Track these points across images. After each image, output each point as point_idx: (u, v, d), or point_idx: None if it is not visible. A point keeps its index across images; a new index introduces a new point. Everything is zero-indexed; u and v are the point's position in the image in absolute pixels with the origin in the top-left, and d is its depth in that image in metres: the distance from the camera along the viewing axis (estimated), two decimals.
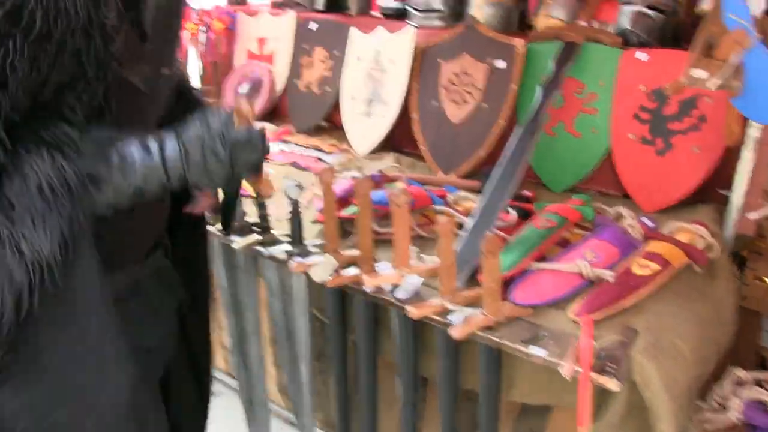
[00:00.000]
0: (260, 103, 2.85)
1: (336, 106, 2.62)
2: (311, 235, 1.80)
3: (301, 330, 1.98)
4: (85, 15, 0.97)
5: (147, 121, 1.22)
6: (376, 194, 1.69)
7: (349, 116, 2.53)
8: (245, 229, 1.85)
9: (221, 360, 2.72)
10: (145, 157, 1.07)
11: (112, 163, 1.04)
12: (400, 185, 1.94)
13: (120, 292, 1.17)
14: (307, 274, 1.66)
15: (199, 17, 3.06)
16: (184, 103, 1.37)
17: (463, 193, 1.98)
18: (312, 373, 2.06)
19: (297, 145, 2.54)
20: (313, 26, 2.76)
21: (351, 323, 1.88)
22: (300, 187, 1.67)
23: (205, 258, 1.57)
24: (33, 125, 0.99)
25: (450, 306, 1.46)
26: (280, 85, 2.87)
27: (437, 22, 2.45)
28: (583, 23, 2.18)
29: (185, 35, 3.09)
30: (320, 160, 2.40)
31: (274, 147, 2.52)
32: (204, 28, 3.05)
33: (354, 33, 2.57)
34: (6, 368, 0.98)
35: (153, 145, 1.08)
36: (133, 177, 1.06)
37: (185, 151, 1.09)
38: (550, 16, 2.23)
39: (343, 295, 1.82)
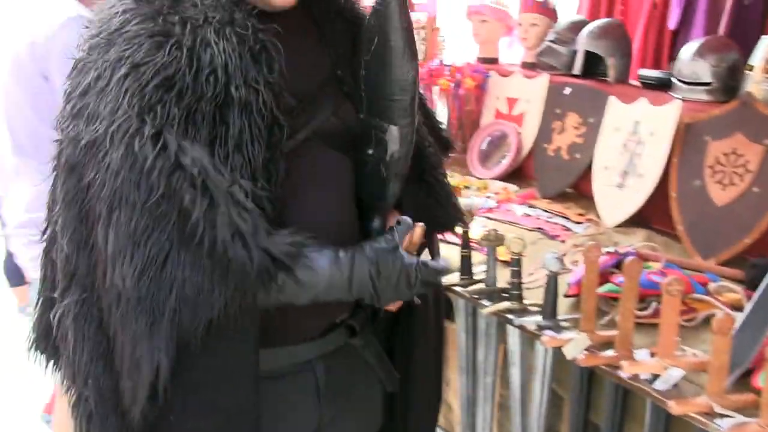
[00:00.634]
0: (505, 163, 2.88)
1: (585, 174, 2.57)
2: (560, 307, 1.77)
3: (536, 402, 1.94)
4: (240, 75, 1.05)
5: (331, 190, 1.25)
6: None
7: (600, 186, 2.48)
8: (494, 294, 1.86)
9: (441, 417, 2.73)
10: (334, 272, 1.11)
11: (298, 273, 1.08)
12: (657, 266, 1.87)
13: (280, 370, 1.21)
14: (555, 349, 1.63)
15: (450, 73, 3.15)
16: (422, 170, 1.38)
17: (725, 283, 1.86)
18: None
19: (543, 210, 2.52)
20: (568, 90, 2.75)
21: (593, 404, 1.82)
22: (561, 260, 1.66)
23: (423, 339, 1.46)
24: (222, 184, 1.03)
25: (717, 408, 1.37)
26: (526, 147, 2.88)
27: (704, 96, 2.34)
28: None
29: (435, 90, 3.21)
30: (567, 229, 2.36)
31: (519, 209, 2.53)
32: (454, 84, 3.14)
33: (613, 102, 2.52)
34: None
35: (344, 262, 1.12)
36: (314, 289, 1.11)
37: (376, 276, 1.13)
38: None
39: (591, 375, 1.77)
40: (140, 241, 1.00)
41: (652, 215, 2.33)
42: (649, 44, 3.48)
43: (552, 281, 1.69)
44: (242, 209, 1.02)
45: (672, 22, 3.31)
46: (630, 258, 1.52)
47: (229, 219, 1.00)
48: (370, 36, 1.21)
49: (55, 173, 1.18)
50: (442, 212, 1.43)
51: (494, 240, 1.84)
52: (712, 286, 1.84)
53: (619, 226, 2.35)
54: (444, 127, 1.59)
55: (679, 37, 3.33)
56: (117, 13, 1.09)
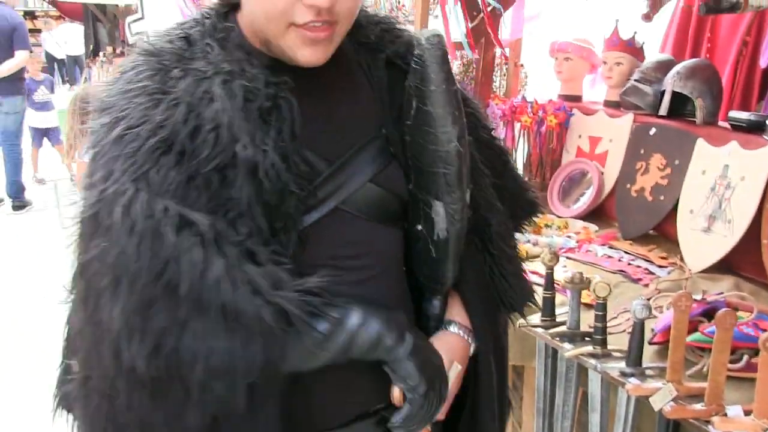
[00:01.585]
0: (586, 202, 2.84)
1: (669, 217, 2.51)
2: (645, 354, 1.73)
3: None
4: (246, 135, 0.96)
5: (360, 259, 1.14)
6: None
7: (685, 230, 2.41)
8: (577, 337, 1.83)
9: None
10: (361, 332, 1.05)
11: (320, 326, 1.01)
12: (748, 317, 1.80)
13: None
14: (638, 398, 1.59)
15: (533, 110, 3.13)
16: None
17: None
18: None
19: (625, 252, 2.47)
20: (653, 131, 2.70)
21: None
22: (648, 307, 1.62)
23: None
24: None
25: None
26: (608, 187, 2.84)
27: None
28: None
29: (517, 127, 3.19)
30: (650, 272, 2.31)
31: (600, 250, 2.48)
32: (537, 122, 3.12)
33: (701, 144, 2.45)
34: None
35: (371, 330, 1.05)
36: (335, 348, 1.03)
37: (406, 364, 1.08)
38: None
39: (676, 427, 1.71)
40: (149, 316, 0.92)
41: (740, 262, 2.25)
42: (738, 83, 3.40)
43: (638, 327, 1.65)
44: (258, 265, 0.95)
45: (764, 61, 3.22)
46: (723, 309, 1.46)
47: (246, 276, 0.94)
48: (409, 98, 1.10)
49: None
50: (508, 290, 1.30)
51: (579, 283, 1.81)
52: None
53: (705, 271, 2.27)
54: (530, 189, 1.48)
55: None
56: (128, 69, 1.05)
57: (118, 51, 11.17)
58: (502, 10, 3.08)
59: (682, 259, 2.38)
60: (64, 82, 16.52)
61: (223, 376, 0.94)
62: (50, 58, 16.82)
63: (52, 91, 7.10)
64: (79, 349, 1.05)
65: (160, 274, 0.92)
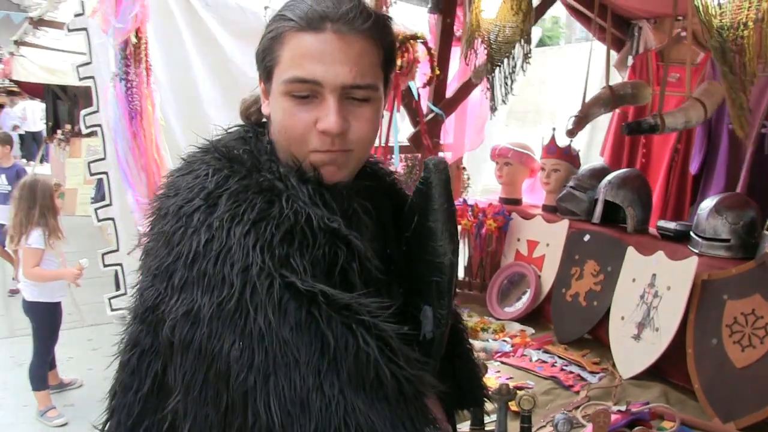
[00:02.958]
0: (523, 305, 2.89)
1: (602, 322, 2.57)
2: None
3: None
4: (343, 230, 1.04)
5: None
6: None
7: (616, 336, 2.47)
8: None
9: None
10: None
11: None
12: (669, 427, 1.84)
13: None
14: None
15: (473, 213, 3.22)
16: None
17: None
18: None
19: (559, 357, 2.50)
20: (587, 237, 2.79)
21: None
22: (570, 422, 1.64)
23: None
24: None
25: None
26: (545, 290, 2.90)
27: (723, 253, 2.35)
28: None
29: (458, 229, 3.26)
30: (582, 378, 2.34)
31: (535, 355, 2.51)
32: (477, 225, 3.20)
33: (632, 252, 2.54)
34: None
35: None
36: None
37: None
38: None
39: None
40: (310, 400, 0.93)
41: (669, 369, 2.30)
42: (672, 187, 3.54)
43: None
44: (400, 345, 1.00)
45: (693, 167, 3.36)
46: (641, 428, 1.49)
47: (400, 355, 0.99)
48: (411, 214, 1.23)
49: (153, 351, 1.08)
50: (469, 390, 1.41)
51: (506, 395, 1.83)
52: None
53: (635, 377, 2.32)
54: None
55: (701, 180, 3.38)
56: (205, 173, 1.08)
57: (76, 129, 11.17)
58: (444, 117, 3.19)
59: (614, 365, 2.42)
60: (22, 157, 16.45)
61: None
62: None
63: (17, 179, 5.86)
64: None
65: (318, 358, 0.94)
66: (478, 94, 3.58)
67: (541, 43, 4.88)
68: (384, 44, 1.14)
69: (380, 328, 0.99)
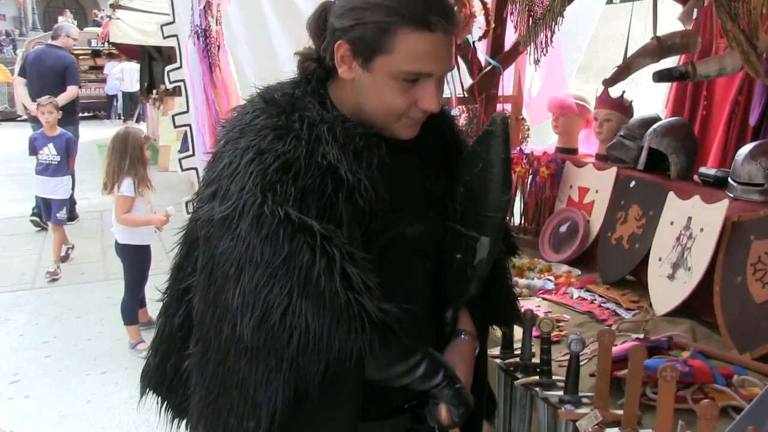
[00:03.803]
0: (572, 249, 3.05)
1: (643, 264, 2.71)
2: (587, 386, 1.93)
3: None
4: (345, 165, 1.25)
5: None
6: (654, 362, 1.79)
7: (654, 276, 2.61)
8: (529, 368, 2.04)
9: None
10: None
11: (399, 343, 1.28)
12: (685, 355, 2.00)
13: None
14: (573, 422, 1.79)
15: (528, 161, 3.37)
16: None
17: (751, 377, 1.95)
18: None
19: (599, 295, 2.66)
20: (632, 184, 2.91)
21: None
22: (582, 342, 1.82)
23: None
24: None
25: None
26: (593, 234, 3.04)
27: (756, 197, 2.45)
28: None
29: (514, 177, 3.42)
30: (617, 314, 2.50)
31: (576, 293, 2.68)
32: (531, 172, 3.35)
33: (672, 197, 2.66)
34: None
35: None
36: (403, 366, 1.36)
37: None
38: None
39: None
40: (261, 295, 1.18)
41: (699, 307, 2.43)
42: (731, 140, 3.58)
43: (574, 359, 1.86)
44: (357, 264, 1.22)
45: (753, 119, 3.40)
46: (635, 344, 1.67)
47: (346, 272, 1.19)
48: (473, 160, 1.45)
49: (186, 246, 1.51)
50: (503, 312, 1.70)
51: (529, 320, 2.02)
52: (735, 378, 1.94)
53: (668, 314, 2.46)
54: (511, 234, 1.79)
55: (761, 132, 3.41)
56: (248, 111, 1.36)
57: (169, 88, 11.71)
58: (501, 69, 3.34)
59: (650, 304, 2.57)
60: (119, 117, 17.33)
61: (309, 353, 1.18)
62: (107, 96, 17.71)
63: (67, 154, 6.24)
64: (201, 329, 1.35)
65: (276, 265, 1.18)
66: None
67: (609, 1, 4.88)
68: None
69: (334, 250, 1.21)
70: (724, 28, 1.79)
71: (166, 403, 1.65)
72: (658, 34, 2.84)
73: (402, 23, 1.26)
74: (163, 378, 1.60)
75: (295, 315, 1.17)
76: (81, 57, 17.72)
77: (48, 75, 7.28)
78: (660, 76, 2.57)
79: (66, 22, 8.35)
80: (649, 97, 4.70)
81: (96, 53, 18.01)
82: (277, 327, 1.18)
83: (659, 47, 2.81)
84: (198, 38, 3.85)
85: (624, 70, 2.71)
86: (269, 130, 1.27)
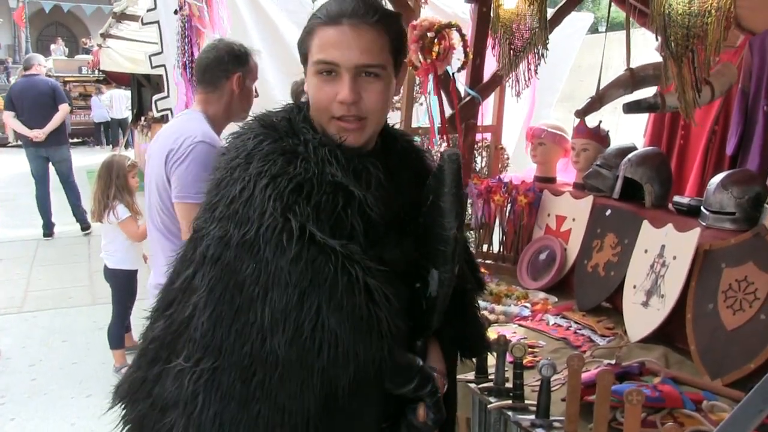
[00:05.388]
0: (549, 276, 3.08)
1: (618, 291, 2.74)
2: (560, 410, 1.95)
3: None
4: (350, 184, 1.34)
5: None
6: (623, 386, 1.81)
7: (628, 303, 2.64)
8: (502, 392, 2.06)
9: None
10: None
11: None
12: (656, 381, 2.03)
13: None
14: None
15: (507, 189, 3.42)
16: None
17: (720, 403, 1.98)
18: None
19: (574, 322, 2.69)
20: (608, 212, 2.96)
21: None
22: (553, 367, 1.85)
23: None
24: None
25: None
26: (570, 262, 3.08)
27: (728, 225, 2.49)
28: None
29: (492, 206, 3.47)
30: (591, 340, 2.53)
31: (552, 320, 2.71)
32: (510, 201, 3.40)
33: (646, 226, 2.70)
34: None
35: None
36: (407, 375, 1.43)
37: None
38: None
39: None
40: (292, 315, 1.24)
41: (672, 333, 2.46)
42: (709, 169, 3.64)
43: (545, 384, 1.88)
44: (375, 277, 1.30)
45: (729, 148, 3.46)
46: (603, 369, 1.70)
47: (368, 286, 1.27)
48: (428, 193, 1.51)
49: (191, 261, 1.43)
50: (473, 343, 1.73)
51: (502, 345, 2.05)
52: (705, 404, 1.96)
53: (642, 341, 2.49)
54: (479, 270, 1.83)
55: (738, 161, 3.47)
56: (249, 137, 1.41)
57: (156, 115, 11.81)
58: (480, 99, 3.40)
59: (625, 331, 2.60)
60: (108, 143, 17.36)
61: (340, 363, 1.25)
62: (95, 123, 17.79)
63: None
64: (208, 346, 1.33)
65: (303, 285, 1.24)
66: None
67: (594, 30, 4.98)
68: (390, 33, 1.44)
69: (355, 266, 1.28)
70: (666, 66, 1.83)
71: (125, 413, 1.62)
72: (632, 66, 2.91)
73: (318, 24, 1.42)
74: (134, 390, 1.58)
75: (324, 330, 1.24)
76: (74, 84, 17.88)
77: (41, 99, 7.91)
78: (629, 108, 2.63)
79: (35, 54, 9.45)
80: (631, 127, 4.78)
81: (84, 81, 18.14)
82: (308, 342, 1.24)
83: (632, 79, 2.87)
84: (185, 69, 3.90)
85: (597, 101, 2.77)
86: (277, 155, 1.35)
